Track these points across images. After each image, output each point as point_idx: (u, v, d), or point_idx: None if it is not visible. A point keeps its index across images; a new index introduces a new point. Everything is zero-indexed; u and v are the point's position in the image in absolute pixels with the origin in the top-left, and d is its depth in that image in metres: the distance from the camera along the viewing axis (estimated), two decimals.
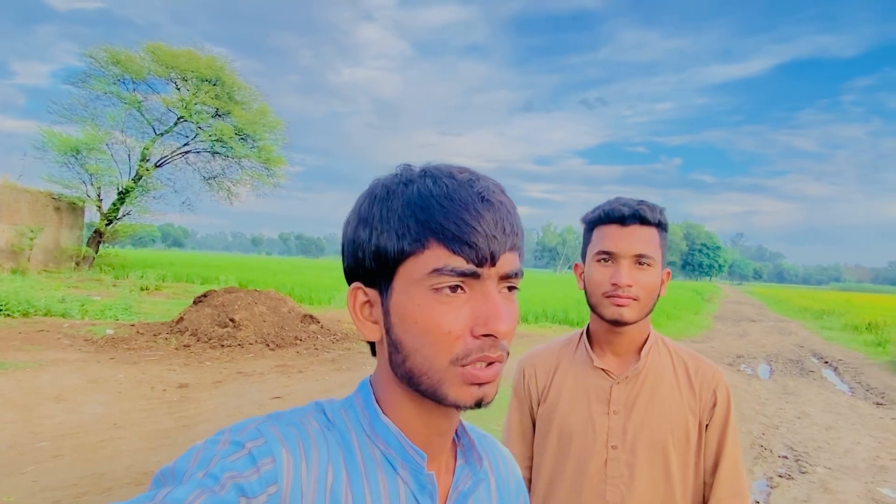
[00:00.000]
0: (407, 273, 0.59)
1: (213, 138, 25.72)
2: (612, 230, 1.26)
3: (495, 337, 0.58)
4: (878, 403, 8.96)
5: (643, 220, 1.25)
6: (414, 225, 0.58)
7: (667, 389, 1.27)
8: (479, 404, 0.60)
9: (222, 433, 0.57)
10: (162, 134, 25.93)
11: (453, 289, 0.58)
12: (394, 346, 0.61)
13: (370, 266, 0.62)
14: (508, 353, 0.61)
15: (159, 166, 26.19)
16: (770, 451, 6.08)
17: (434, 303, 0.58)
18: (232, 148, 26.11)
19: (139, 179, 24.97)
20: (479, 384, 0.59)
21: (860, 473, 5.50)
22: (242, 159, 27.34)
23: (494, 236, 0.58)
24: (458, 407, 0.60)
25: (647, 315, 1.27)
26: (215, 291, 11.00)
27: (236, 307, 10.21)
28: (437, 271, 0.57)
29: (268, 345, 9.53)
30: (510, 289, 0.61)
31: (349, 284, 0.65)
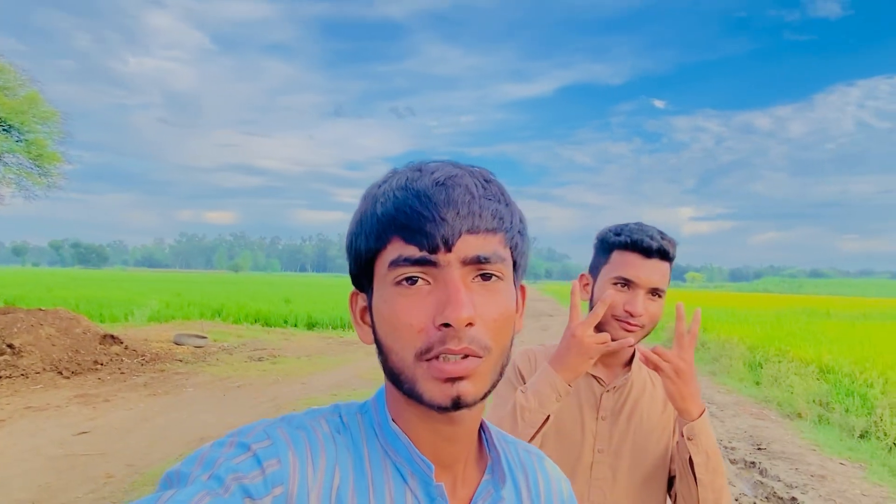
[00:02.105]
0: (378, 271, 0.59)
1: None
2: (635, 259, 1.27)
3: (454, 327, 0.54)
4: None
5: (664, 256, 1.29)
6: (375, 222, 0.57)
7: (647, 400, 1.35)
8: (456, 404, 0.55)
9: (230, 436, 0.56)
10: None
11: (412, 280, 0.56)
12: (378, 347, 0.60)
13: (354, 270, 0.62)
14: (490, 349, 0.56)
15: None
16: None
17: (396, 296, 0.56)
18: None
19: None
20: (451, 380, 0.55)
21: None
22: (5, 154, 23.17)
23: (443, 219, 0.54)
24: (435, 408, 0.56)
25: None
26: None
27: (15, 330, 8.67)
28: (394, 263, 0.56)
29: (60, 372, 8.24)
30: (486, 277, 0.57)
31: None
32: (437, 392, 0.55)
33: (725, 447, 6.43)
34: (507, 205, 0.60)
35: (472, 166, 0.61)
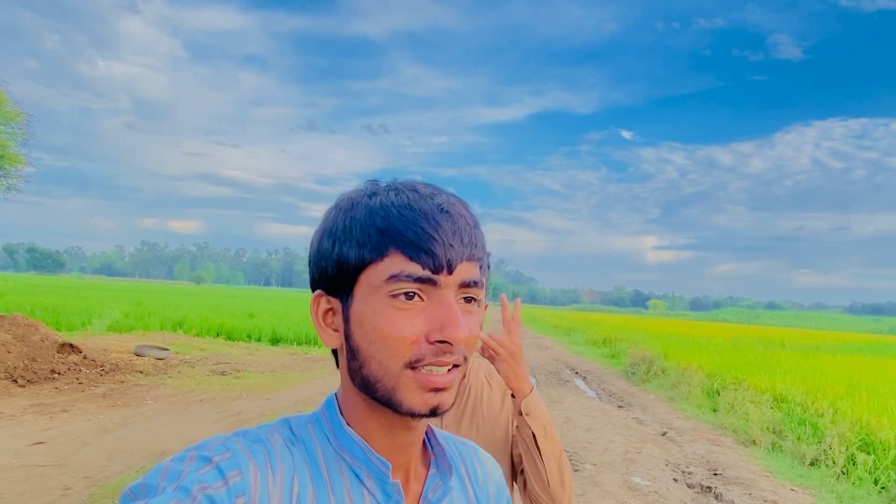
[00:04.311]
0: (367, 281, 0.61)
1: None
2: None
3: (450, 343, 0.59)
4: (619, 406, 10.74)
5: None
6: (374, 233, 0.60)
7: (486, 404, 1.42)
8: (434, 412, 0.60)
9: (189, 450, 0.58)
10: None
11: (409, 295, 0.59)
12: (352, 353, 0.63)
13: (332, 274, 0.63)
14: (467, 359, 0.63)
15: None
16: None
17: (391, 309, 0.59)
18: None
19: None
20: (435, 390, 0.60)
21: (617, 467, 6.58)
22: None
23: (451, 245, 0.59)
24: (412, 415, 0.60)
25: None
26: None
27: None
28: (394, 277, 0.58)
29: (15, 380, 7.99)
30: (468, 300, 0.63)
31: (313, 293, 0.67)
32: (418, 401, 0.60)
33: (683, 472, 6.61)
34: (482, 233, 0.66)
35: (450, 192, 0.66)
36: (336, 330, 0.65)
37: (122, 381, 8.97)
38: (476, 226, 0.64)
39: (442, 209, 0.61)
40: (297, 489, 0.60)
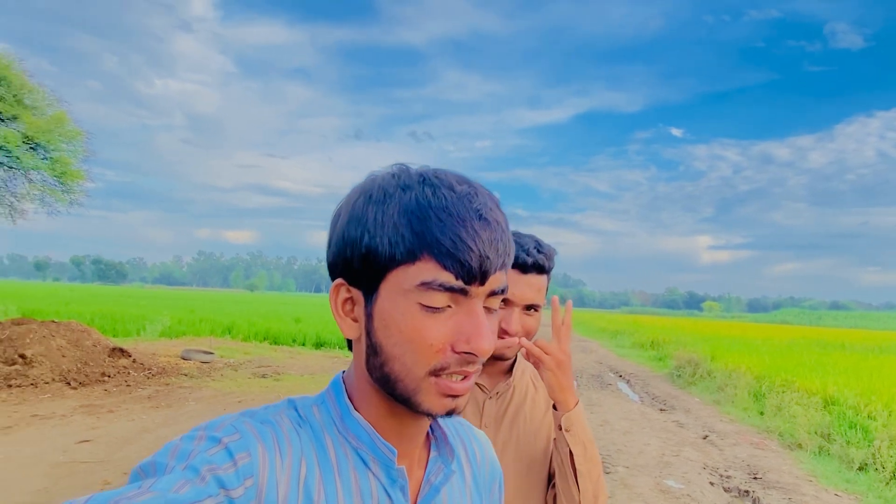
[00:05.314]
0: (395, 281, 0.59)
1: None
2: (510, 275, 1.23)
3: (475, 355, 0.58)
4: (661, 409, 10.47)
5: (540, 270, 1.27)
6: (409, 235, 0.57)
7: (529, 407, 1.34)
8: (450, 414, 0.61)
9: (198, 430, 0.58)
10: None
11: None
12: (373, 350, 0.61)
13: (357, 266, 0.61)
14: (482, 365, 0.63)
15: None
16: None
17: (419, 314, 0.58)
18: (18, 158, 22.54)
19: None
20: (454, 396, 0.60)
21: (650, 470, 6.42)
22: (31, 171, 23.76)
23: (488, 256, 0.58)
24: (430, 415, 0.61)
25: None
26: (0, 323, 9.49)
27: (28, 341, 8.91)
28: (426, 284, 0.57)
29: (68, 383, 8.44)
30: (489, 309, 0.62)
31: (332, 278, 0.65)
32: (437, 404, 0.60)
33: (721, 475, 6.40)
34: (511, 235, 0.63)
35: (485, 191, 0.63)
36: (355, 320, 0.64)
37: (167, 384, 9.34)
38: (507, 228, 0.62)
39: (480, 215, 0.58)
40: (304, 472, 0.59)
